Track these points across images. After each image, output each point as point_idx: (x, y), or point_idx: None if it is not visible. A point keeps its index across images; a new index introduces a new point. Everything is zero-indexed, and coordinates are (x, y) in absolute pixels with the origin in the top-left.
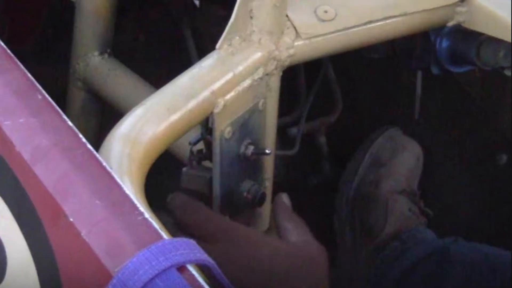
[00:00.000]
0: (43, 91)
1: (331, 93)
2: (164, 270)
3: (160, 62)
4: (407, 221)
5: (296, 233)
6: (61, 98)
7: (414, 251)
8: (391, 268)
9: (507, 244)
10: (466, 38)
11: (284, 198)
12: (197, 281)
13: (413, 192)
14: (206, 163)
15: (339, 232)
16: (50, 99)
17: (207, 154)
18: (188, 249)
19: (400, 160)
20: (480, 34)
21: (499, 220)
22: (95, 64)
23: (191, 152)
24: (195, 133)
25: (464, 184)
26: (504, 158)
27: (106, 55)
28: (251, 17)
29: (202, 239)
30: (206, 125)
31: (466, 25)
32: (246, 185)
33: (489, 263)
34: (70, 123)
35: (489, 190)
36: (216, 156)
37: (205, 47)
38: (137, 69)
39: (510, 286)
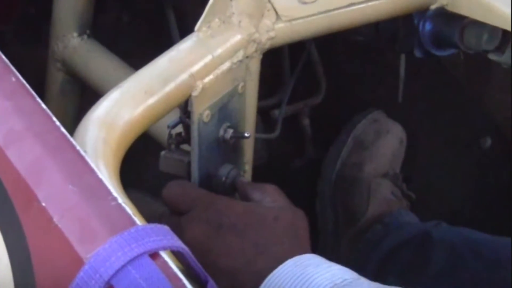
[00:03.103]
0: (17, 74)
1: (314, 75)
2: (136, 257)
3: (144, 43)
4: (389, 205)
5: (267, 201)
6: (43, 79)
7: (396, 234)
8: (373, 252)
9: (491, 226)
10: (450, 21)
11: (242, 178)
12: (170, 267)
13: (396, 176)
14: (185, 147)
15: (321, 216)
16: (24, 81)
17: (186, 137)
18: (162, 236)
19: (383, 143)
20: (463, 17)
21: (483, 203)
22: (74, 45)
23: (170, 135)
24: (175, 116)
25: (448, 167)
26: (488, 141)
27: (85, 36)
28: None
29: (182, 212)
30: (184, 108)
31: (449, 8)
32: (225, 169)
33: (472, 246)
34: (44, 106)
35: (473, 173)
36: (194, 140)
37: (189, 28)
38: (120, 50)
39: (492, 270)
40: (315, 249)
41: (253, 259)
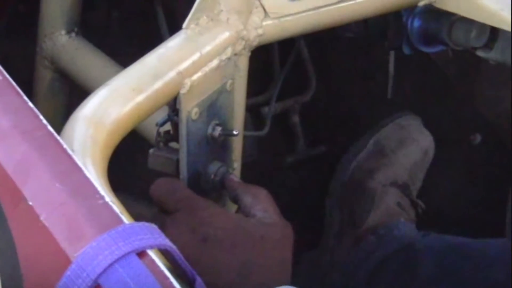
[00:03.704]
0: (3, 71)
1: (304, 72)
2: (123, 256)
3: (133, 40)
4: (391, 215)
5: (257, 208)
6: (32, 77)
7: (384, 247)
8: (364, 262)
9: (480, 223)
10: (438, 18)
11: (232, 176)
12: (157, 266)
13: (405, 184)
14: (174, 145)
15: (329, 214)
16: (10, 79)
17: (174, 135)
18: (149, 234)
19: (405, 152)
20: (452, 14)
21: (473, 200)
22: (62, 43)
23: (158, 133)
24: (163, 114)
25: (438, 163)
26: (478, 138)
27: (73, 34)
28: None
29: (168, 211)
30: (173, 106)
31: (438, 5)
32: (214, 167)
33: (460, 251)
34: (30, 104)
35: (463, 170)
36: (183, 138)
37: (178, 25)
38: (109, 48)
39: (482, 271)
40: (316, 246)
41: (239, 281)
